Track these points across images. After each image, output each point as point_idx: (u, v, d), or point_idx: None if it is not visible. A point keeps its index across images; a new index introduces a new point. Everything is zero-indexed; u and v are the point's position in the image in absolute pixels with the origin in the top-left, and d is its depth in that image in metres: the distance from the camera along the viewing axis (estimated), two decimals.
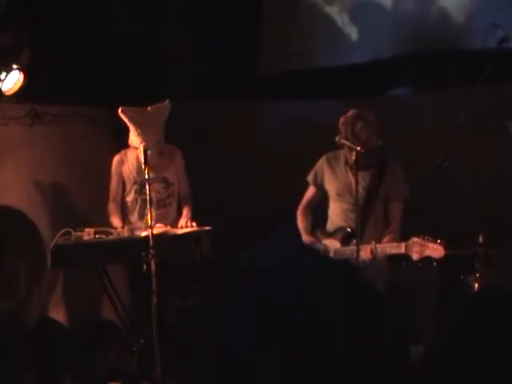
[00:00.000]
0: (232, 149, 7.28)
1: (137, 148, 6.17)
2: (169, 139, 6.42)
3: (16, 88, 6.28)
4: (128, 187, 6.37)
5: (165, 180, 6.34)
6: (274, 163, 7.08)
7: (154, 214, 6.16)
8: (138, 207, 6.33)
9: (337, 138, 5.58)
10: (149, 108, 6.26)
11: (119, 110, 6.20)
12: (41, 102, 6.77)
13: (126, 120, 6.20)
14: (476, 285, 5.61)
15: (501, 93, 6.48)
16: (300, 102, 7.36)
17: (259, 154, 7.20)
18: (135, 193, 6.34)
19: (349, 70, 7.26)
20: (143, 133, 6.13)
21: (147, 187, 5.80)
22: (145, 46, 7.33)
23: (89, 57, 6.92)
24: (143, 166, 5.87)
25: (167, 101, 6.28)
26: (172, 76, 7.26)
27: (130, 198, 6.36)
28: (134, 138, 6.22)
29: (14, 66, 6.23)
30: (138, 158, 6.23)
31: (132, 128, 6.19)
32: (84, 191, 7.07)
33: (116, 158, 6.41)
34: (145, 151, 5.90)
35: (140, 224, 6.19)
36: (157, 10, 7.41)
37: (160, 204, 6.31)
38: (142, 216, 6.24)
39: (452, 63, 6.86)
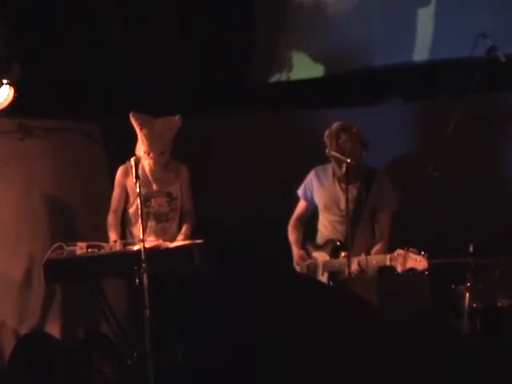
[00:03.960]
0: (228, 161, 7.28)
1: (141, 158, 6.20)
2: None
3: (6, 103, 6.28)
4: (132, 199, 6.34)
5: (169, 194, 6.34)
6: (270, 174, 7.09)
7: (155, 227, 6.21)
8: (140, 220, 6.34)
9: (326, 151, 5.60)
10: (159, 119, 6.28)
11: (130, 114, 6.22)
12: (31, 116, 6.74)
13: (134, 125, 6.23)
14: (467, 294, 5.63)
15: (490, 101, 6.50)
16: (293, 112, 7.36)
17: (255, 165, 7.20)
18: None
19: (340, 80, 7.28)
20: (148, 142, 6.17)
21: (138, 200, 5.78)
22: (135, 61, 7.35)
23: (79, 71, 6.92)
24: (140, 179, 5.81)
25: (178, 116, 6.27)
26: (162, 90, 7.28)
27: (132, 210, 6.35)
28: (139, 146, 6.26)
29: (4, 81, 6.23)
30: (143, 170, 6.23)
31: (139, 134, 6.23)
32: (75, 205, 7.06)
33: (121, 169, 6.38)
34: (136, 165, 5.88)
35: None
36: (146, 23, 7.42)
37: (162, 218, 6.31)
38: (144, 228, 6.26)
39: (441, 72, 6.90)
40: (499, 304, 5.71)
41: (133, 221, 6.36)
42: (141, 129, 6.20)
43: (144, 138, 6.19)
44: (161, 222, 6.30)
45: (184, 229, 6.36)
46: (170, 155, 6.35)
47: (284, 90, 7.48)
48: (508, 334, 5.62)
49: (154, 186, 6.26)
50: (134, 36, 7.38)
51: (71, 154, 7.14)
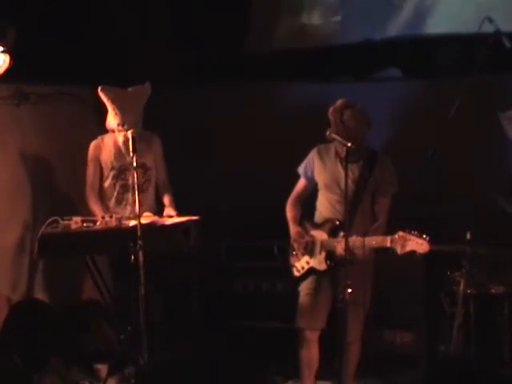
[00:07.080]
0: (223, 133, 7.23)
1: (114, 131, 6.23)
2: (159, 125, 6.35)
3: (2, 70, 6.19)
4: (106, 173, 6.35)
5: (143, 165, 6.29)
6: (267, 148, 7.04)
7: (131, 199, 6.22)
8: (115, 193, 6.33)
9: (327, 133, 5.54)
10: (129, 89, 6.24)
11: (99, 89, 6.19)
12: (27, 82, 6.68)
13: (104, 99, 6.21)
14: (462, 280, 5.66)
15: (492, 84, 6.44)
16: (290, 84, 7.29)
17: (252, 139, 7.15)
18: (113, 178, 6.34)
19: (339, 51, 7.20)
20: (122, 113, 6.15)
21: (135, 174, 5.71)
22: (131, 26, 7.27)
23: (75, 36, 6.84)
24: (131, 154, 5.77)
25: (147, 83, 6.26)
26: (157, 58, 7.21)
27: (107, 184, 6.36)
28: (111, 119, 6.24)
29: (0, 48, 6.13)
30: (115, 143, 6.27)
31: (110, 108, 6.21)
32: (71, 171, 7.01)
33: (93, 144, 6.37)
34: (133, 138, 5.80)
35: (118, 209, 6.21)
36: None
37: (138, 190, 6.27)
38: (119, 202, 6.33)
39: (442, 48, 6.84)
40: (493, 291, 5.75)
41: (108, 195, 6.37)
42: (112, 102, 6.17)
43: (117, 111, 6.16)
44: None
45: (168, 200, 6.36)
46: (141, 126, 6.32)
47: (278, 62, 7.38)
48: (501, 320, 5.67)
49: (128, 158, 6.20)
50: (129, 4, 7.30)
51: (67, 119, 7.09)
